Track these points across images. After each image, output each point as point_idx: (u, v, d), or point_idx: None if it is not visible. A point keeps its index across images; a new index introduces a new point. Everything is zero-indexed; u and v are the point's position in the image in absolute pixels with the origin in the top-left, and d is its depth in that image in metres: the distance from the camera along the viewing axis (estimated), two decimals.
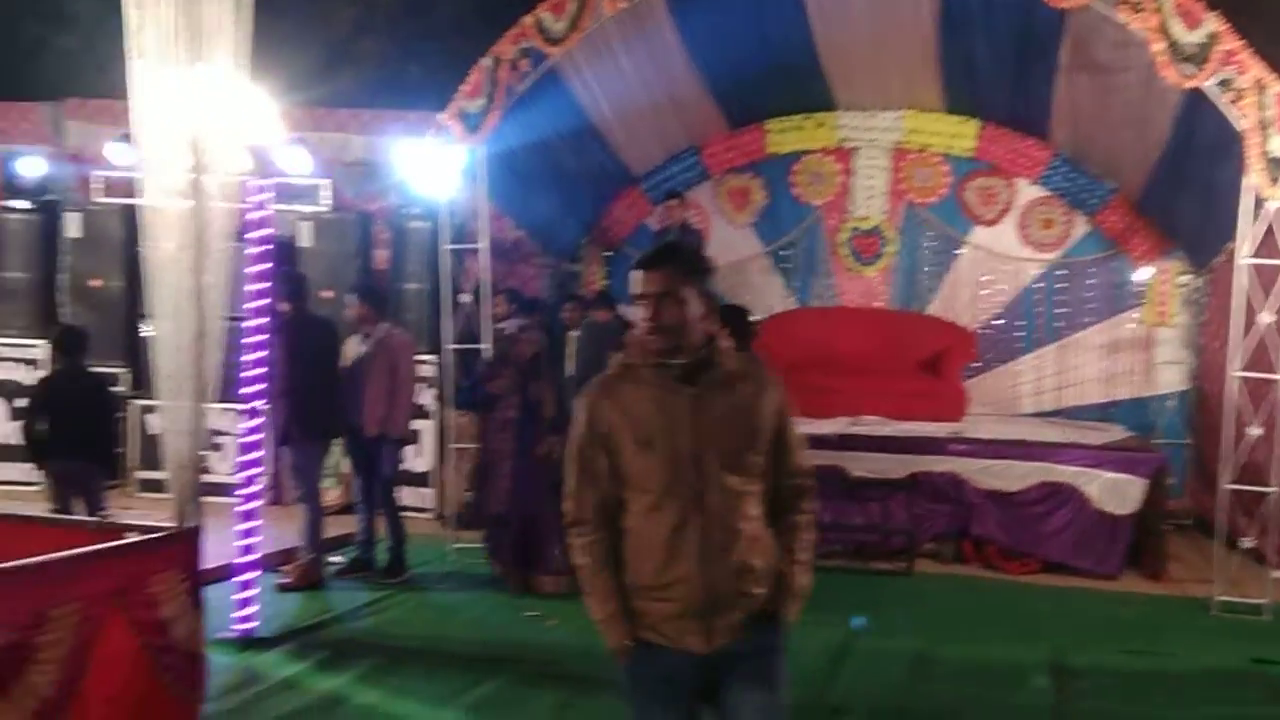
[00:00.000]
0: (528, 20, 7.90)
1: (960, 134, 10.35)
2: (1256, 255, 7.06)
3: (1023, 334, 10.38)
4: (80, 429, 6.70)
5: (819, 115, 10.57)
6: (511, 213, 9.94)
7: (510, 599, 7.06)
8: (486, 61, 7.97)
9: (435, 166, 8.25)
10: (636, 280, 2.85)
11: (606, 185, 10.75)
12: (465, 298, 8.29)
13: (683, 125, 10.42)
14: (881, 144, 10.56)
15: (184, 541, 3.88)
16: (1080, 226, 10.24)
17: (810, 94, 10.28)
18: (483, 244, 8.28)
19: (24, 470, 9.40)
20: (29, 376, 9.63)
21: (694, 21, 8.83)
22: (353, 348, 7.37)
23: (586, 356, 8.97)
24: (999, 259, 10.42)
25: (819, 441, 8.54)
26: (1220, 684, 5.82)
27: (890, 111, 10.45)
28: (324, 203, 9.84)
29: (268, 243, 6.13)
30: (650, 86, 9.57)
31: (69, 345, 6.89)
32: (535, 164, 9.61)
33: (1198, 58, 6.89)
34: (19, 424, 9.25)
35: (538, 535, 7.11)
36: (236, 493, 6.00)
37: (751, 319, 9.79)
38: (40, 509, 6.73)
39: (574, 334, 9.56)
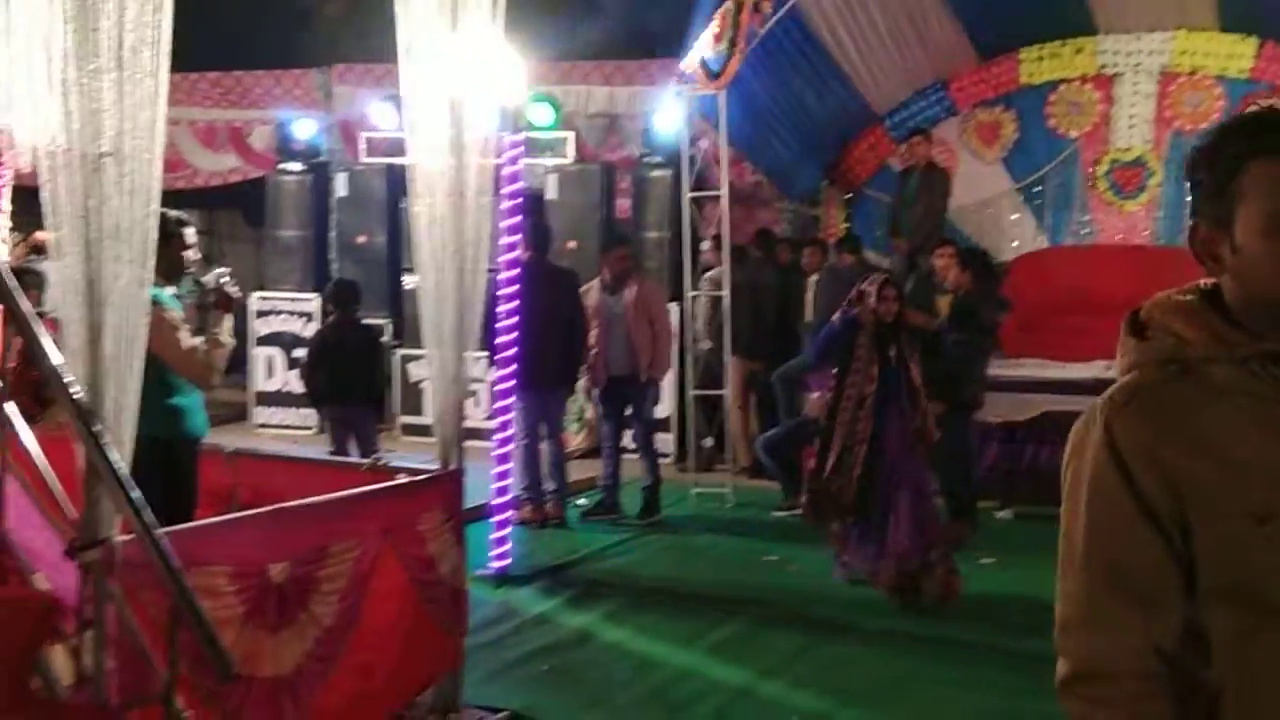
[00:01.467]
0: None
1: (1237, 53, 9.54)
2: None
3: None
4: (354, 377, 7.22)
5: (1078, 40, 9.99)
6: (751, 156, 9.92)
7: (755, 544, 7.15)
8: (729, 5, 7.94)
9: (677, 114, 8.32)
10: None
11: (848, 125, 10.54)
12: (705, 244, 8.34)
13: (929, 59, 10.07)
14: (1147, 68, 9.87)
15: (448, 483, 4.13)
16: None
17: (1068, 17, 9.73)
18: (724, 191, 8.29)
19: (302, 415, 10.25)
20: (304, 328, 10.42)
21: None
22: (595, 297, 7.53)
23: (828, 304, 8.88)
24: None
25: (1075, 386, 8.20)
26: None
27: (1158, 33, 9.74)
28: (568, 155, 10.18)
29: (519, 196, 6.36)
30: (896, 19, 9.32)
31: (342, 298, 7.41)
32: (775, 106, 9.55)
33: None
34: (297, 373, 10.07)
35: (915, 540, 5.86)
36: (492, 437, 6.32)
37: (995, 263, 9.49)
38: (318, 450, 7.31)
39: (814, 279, 9.49)
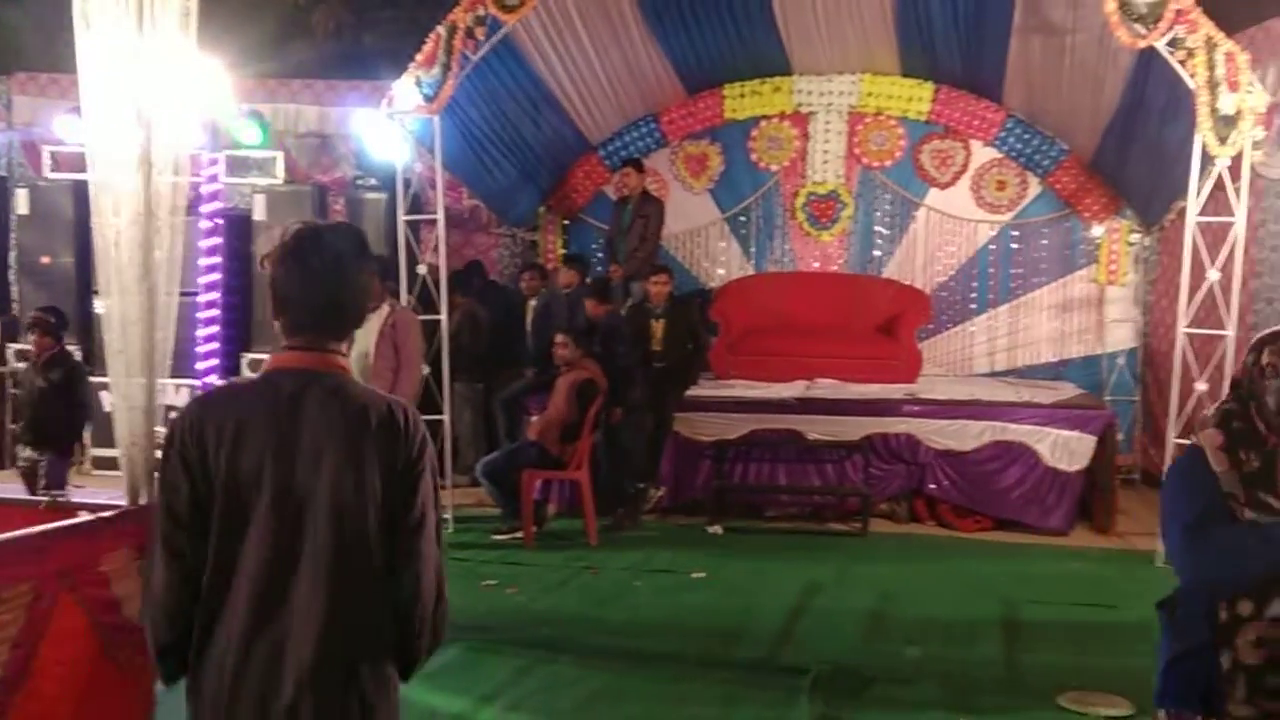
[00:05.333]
0: None
1: (916, 97, 10.38)
2: (1204, 213, 7.17)
3: (976, 295, 10.48)
4: (48, 420, 6.73)
5: (776, 80, 10.56)
6: (467, 181, 9.91)
7: (476, 569, 7.12)
8: (442, 29, 7.92)
9: (390, 136, 8.21)
10: None
11: (564, 153, 10.71)
12: (422, 269, 8.27)
13: (640, 92, 10.39)
14: (837, 108, 10.58)
15: (137, 519, 3.88)
16: (1033, 187, 10.32)
17: (767, 59, 10.27)
18: (439, 214, 8.25)
19: None
20: None
21: None
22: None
23: (546, 328, 9.02)
24: (953, 221, 10.50)
25: (777, 406, 8.66)
26: None
27: (846, 75, 10.45)
28: (277, 175, 9.83)
29: (219, 216, 6.09)
30: (607, 54, 9.56)
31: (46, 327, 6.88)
32: (491, 132, 9.60)
33: (1149, 17, 6.94)
34: None
35: None
36: None
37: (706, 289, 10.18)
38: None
39: (532, 304, 9.60)
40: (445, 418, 8.17)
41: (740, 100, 10.67)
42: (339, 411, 2.30)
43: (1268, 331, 2.65)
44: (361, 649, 2.29)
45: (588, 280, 9.31)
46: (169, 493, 2.28)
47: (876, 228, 10.65)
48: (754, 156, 10.78)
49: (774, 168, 10.77)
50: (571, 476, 7.94)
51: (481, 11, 7.86)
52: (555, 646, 5.69)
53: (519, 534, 7.78)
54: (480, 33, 7.92)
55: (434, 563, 2.41)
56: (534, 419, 8.40)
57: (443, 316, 8.23)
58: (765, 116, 10.69)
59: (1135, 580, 6.99)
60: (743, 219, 10.87)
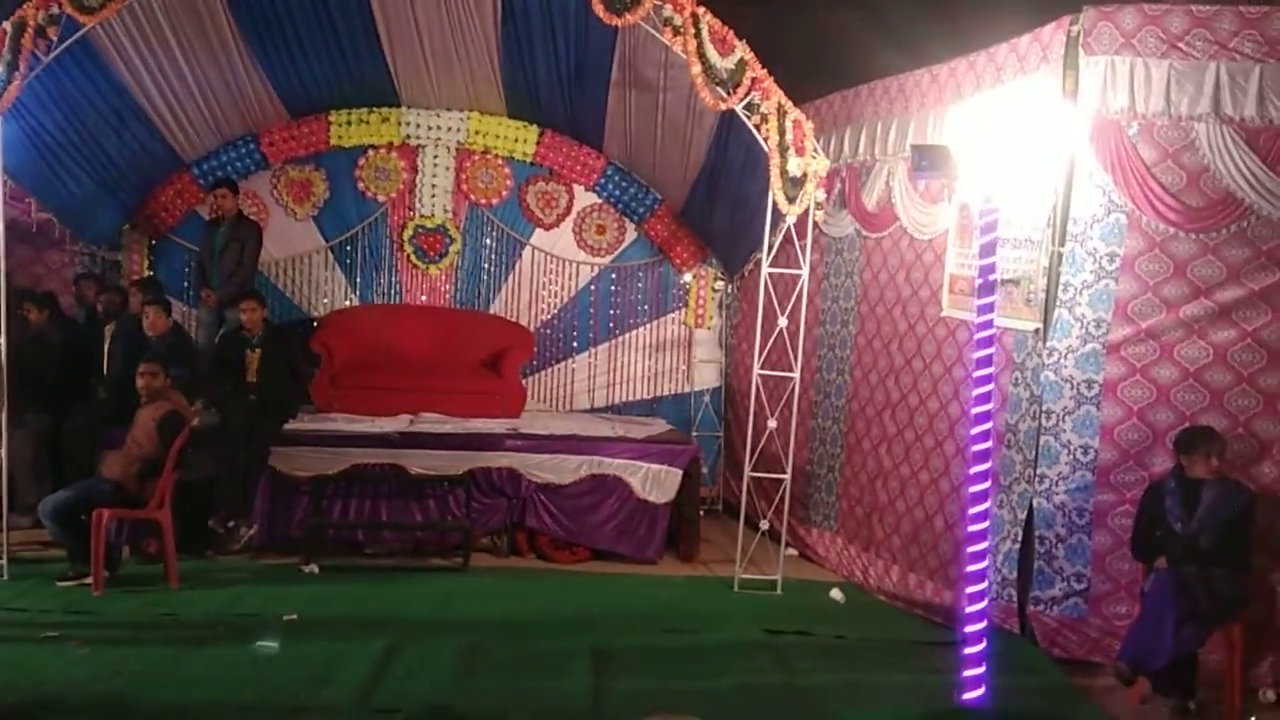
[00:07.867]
0: None
1: (522, 139, 10.62)
2: (776, 265, 7.85)
3: (578, 333, 10.87)
4: None
5: (384, 110, 10.44)
6: (36, 192, 9.01)
7: (35, 620, 6.42)
8: (8, 25, 7.18)
9: None
10: None
11: (152, 169, 9.99)
12: None
13: (240, 112, 9.90)
14: (446, 143, 10.61)
15: None
16: (630, 233, 10.86)
17: (375, 89, 10.13)
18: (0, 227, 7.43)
19: None
20: None
21: (250, 5, 8.45)
22: None
23: (126, 354, 8.36)
24: (557, 261, 10.83)
25: (379, 440, 8.51)
26: (738, 655, 6.42)
27: (455, 112, 10.52)
28: None
29: None
30: (203, 69, 9.03)
31: None
32: (66, 141, 8.83)
33: (729, 82, 7.53)
34: None
35: None
36: None
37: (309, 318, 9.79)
38: None
39: (109, 328, 8.89)
40: (1, 452, 7.34)
41: (347, 128, 10.45)
42: None
43: None
44: None
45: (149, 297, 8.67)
46: None
47: (484, 264, 10.78)
48: (361, 186, 10.58)
49: (382, 198, 10.63)
50: (151, 516, 7.37)
51: (55, 10, 7.20)
52: (123, 704, 5.25)
53: (88, 580, 7.12)
54: (53, 32, 7.26)
55: None
56: (110, 454, 7.74)
57: (0, 339, 7.40)
58: (373, 146, 10.53)
59: (716, 606, 7.49)
60: (348, 248, 10.64)
